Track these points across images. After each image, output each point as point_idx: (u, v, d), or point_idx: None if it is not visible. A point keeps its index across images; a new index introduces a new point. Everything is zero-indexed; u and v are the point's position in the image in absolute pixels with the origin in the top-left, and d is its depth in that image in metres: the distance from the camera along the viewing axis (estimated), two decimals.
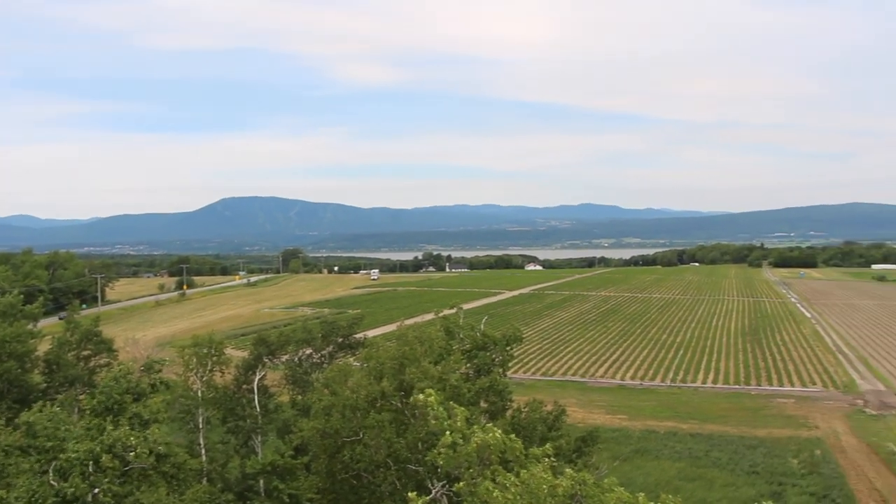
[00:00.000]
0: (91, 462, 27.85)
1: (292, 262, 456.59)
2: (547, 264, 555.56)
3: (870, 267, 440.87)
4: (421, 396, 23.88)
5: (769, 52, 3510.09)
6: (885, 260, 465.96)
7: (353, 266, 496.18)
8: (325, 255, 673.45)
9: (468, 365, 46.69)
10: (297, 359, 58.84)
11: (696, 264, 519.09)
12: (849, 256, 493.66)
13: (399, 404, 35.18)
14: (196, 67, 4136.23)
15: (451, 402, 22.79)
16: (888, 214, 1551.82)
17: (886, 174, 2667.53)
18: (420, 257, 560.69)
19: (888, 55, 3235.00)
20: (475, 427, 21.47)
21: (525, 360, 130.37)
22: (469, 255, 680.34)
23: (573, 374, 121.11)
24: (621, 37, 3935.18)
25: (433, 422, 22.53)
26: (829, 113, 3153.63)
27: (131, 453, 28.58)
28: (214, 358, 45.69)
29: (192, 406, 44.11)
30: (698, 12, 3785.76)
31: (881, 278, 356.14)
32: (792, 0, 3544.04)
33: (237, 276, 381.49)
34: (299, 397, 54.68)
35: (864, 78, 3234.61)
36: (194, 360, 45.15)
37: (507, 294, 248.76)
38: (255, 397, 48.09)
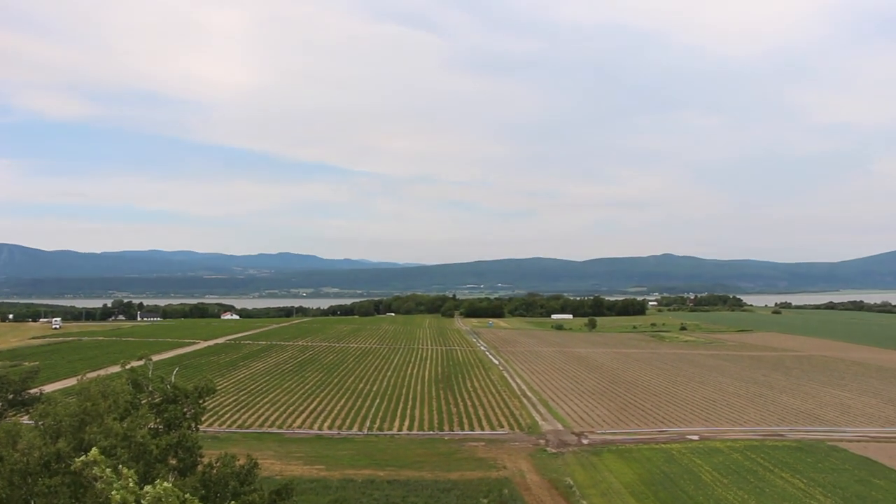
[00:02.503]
0: None
1: None
2: (244, 313, 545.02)
3: (550, 316, 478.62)
4: (81, 458, 21.40)
5: (464, 115, 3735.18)
6: (562, 310, 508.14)
7: (31, 314, 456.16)
8: None
9: (157, 420, 43.90)
10: None
11: (393, 314, 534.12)
12: (532, 307, 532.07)
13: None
14: None
15: (120, 465, 20.63)
16: (564, 269, 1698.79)
17: (563, 232, 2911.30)
18: (109, 305, 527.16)
19: (562, 126, 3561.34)
20: (147, 487, 19.66)
21: (220, 413, 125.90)
22: (162, 303, 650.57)
23: (270, 426, 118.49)
24: (323, 89, 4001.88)
25: (100, 486, 20.36)
26: (514, 175, 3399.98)
27: None
28: None
29: None
30: (398, 73, 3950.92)
31: (559, 327, 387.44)
32: (486, 72, 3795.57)
33: None
34: None
35: (542, 144, 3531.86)
36: None
37: (202, 344, 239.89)
38: None
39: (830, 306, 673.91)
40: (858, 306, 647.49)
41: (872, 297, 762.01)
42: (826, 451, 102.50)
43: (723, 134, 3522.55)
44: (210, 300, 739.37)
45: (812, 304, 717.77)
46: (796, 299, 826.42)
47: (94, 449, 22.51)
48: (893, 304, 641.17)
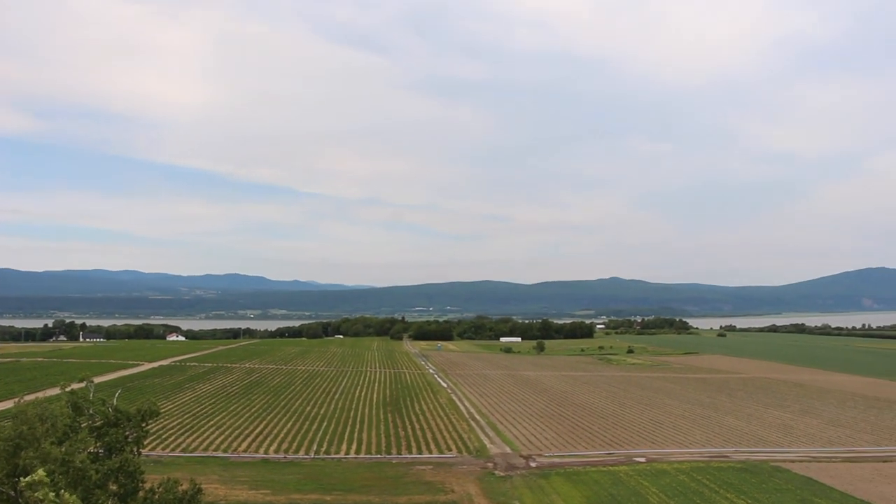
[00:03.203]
0: None
1: None
2: (190, 335, 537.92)
3: (498, 339, 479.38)
4: (27, 479, 20.67)
5: (415, 139, 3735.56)
6: (511, 333, 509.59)
7: None
8: None
9: (98, 444, 42.80)
10: None
11: (341, 336, 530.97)
12: (481, 330, 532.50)
13: (11, 492, 30.94)
14: None
15: (63, 492, 19.99)
16: (514, 292, 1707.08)
17: (512, 255, 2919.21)
18: (50, 325, 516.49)
19: (513, 150, 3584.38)
20: None
21: (164, 436, 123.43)
22: (106, 323, 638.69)
23: (215, 450, 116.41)
24: (274, 110, 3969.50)
25: None
26: (464, 198, 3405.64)
27: None
28: None
29: None
30: (350, 96, 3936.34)
31: (508, 350, 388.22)
32: (439, 96, 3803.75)
33: None
34: None
35: (492, 168, 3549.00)
36: None
37: (147, 366, 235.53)
38: None
39: (773, 329, 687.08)
40: (800, 329, 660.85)
41: (813, 320, 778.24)
42: (770, 472, 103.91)
43: (669, 160, 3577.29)
44: (155, 321, 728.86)
45: (756, 326, 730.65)
46: (741, 322, 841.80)
47: (40, 470, 21.81)
48: (833, 326, 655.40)
